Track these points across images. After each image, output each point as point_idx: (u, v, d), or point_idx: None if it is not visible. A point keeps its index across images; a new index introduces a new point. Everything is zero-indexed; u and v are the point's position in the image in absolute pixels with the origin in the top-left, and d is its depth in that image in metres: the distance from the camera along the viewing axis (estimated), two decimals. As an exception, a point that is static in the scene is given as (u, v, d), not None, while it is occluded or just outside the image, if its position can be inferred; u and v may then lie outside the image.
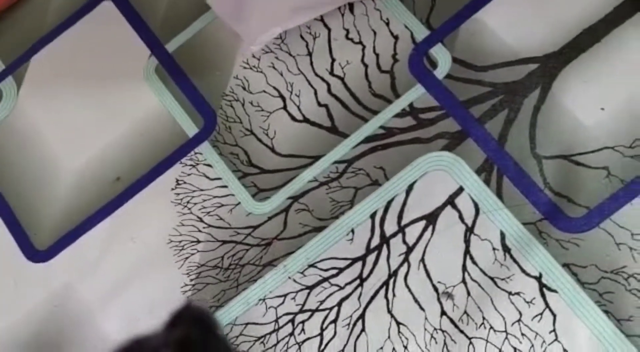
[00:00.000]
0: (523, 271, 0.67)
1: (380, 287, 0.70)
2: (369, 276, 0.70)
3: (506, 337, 0.66)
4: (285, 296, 0.72)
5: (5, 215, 0.81)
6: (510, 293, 0.67)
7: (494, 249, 0.68)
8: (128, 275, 0.76)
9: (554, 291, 0.66)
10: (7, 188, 0.82)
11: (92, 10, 0.87)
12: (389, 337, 0.69)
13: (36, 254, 0.80)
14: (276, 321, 0.71)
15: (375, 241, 0.71)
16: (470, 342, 0.67)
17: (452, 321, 0.68)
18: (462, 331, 0.67)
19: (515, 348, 0.66)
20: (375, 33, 0.78)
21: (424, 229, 0.70)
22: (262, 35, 0.76)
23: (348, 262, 0.71)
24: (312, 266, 0.72)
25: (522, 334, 0.66)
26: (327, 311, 0.71)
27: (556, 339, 0.65)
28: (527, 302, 0.67)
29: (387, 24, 0.78)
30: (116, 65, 0.84)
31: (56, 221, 0.80)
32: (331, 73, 0.77)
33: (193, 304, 0.45)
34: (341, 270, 0.71)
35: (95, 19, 0.87)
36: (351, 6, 0.78)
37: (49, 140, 0.83)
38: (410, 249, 0.70)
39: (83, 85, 0.84)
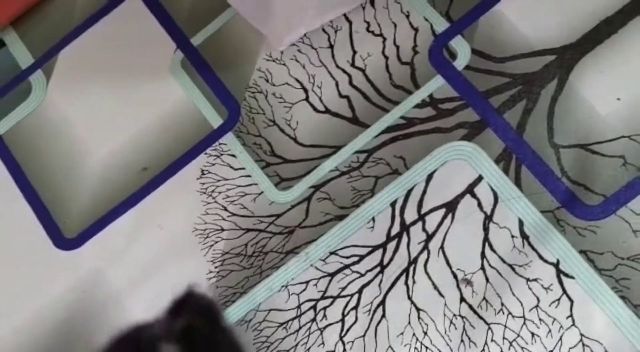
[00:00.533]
0: (541, 257, 0.68)
1: (401, 274, 0.71)
2: (389, 263, 0.72)
3: (524, 323, 0.67)
4: (307, 282, 0.73)
5: (34, 204, 0.83)
6: (528, 279, 0.68)
7: (512, 236, 0.69)
8: (155, 262, 0.78)
9: (571, 277, 0.68)
10: (36, 178, 0.85)
11: (119, 5, 0.89)
12: (409, 323, 0.70)
13: (65, 241, 0.81)
14: (298, 307, 0.73)
15: (396, 229, 0.72)
16: (489, 328, 0.68)
17: (471, 307, 0.69)
18: (481, 317, 0.69)
19: (533, 333, 0.67)
20: (395, 25, 0.79)
21: (444, 217, 0.72)
22: (288, 36, 0.77)
23: (369, 249, 0.73)
24: (333, 253, 0.73)
25: (540, 320, 0.67)
26: (348, 298, 0.72)
27: (573, 324, 0.67)
28: (545, 288, 0.68)
29: (407, 16, 0.79)
30: (143, 59, 0.85)
31: (84, 210, 0.82)
32: (352, 65, 0.79)
33: (196, 290, 0.43)
34: (362, 257, 0.73)
35: (123, 14, 0.88)
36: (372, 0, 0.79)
37: (77, 131, 0.85)
38: (430, 237, 0.71)
39: (111, 78, 0.86)
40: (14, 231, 0.83)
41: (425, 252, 0.71)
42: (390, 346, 0.70)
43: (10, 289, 0.82)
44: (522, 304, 0.68)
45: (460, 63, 0.75)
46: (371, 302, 0.71)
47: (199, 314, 0.42)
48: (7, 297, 0.81)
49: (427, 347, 0.69)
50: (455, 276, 0.70)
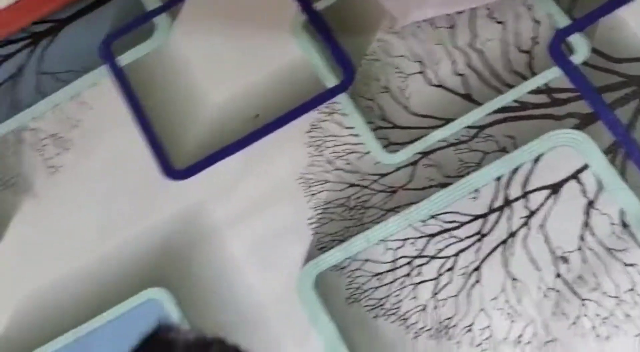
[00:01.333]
0: (639, 245, 0.69)
1: (499, 244, 0.73)
2: (489, 232, 0.73)
3: (618, 303, 0.68)
4: (405, 240, 0.75)
5: (148, 134, 0.86)
6: (625, 264, 0.69)
7: (612, 223, 0.71)
8: (258, 202, 0.80)
9: (669, 267, 0.69)
10: (152, 111, 0.88)
11: (249, -36, 0.92)
12: (503, 290, 0.71)
13: (174, 172, 0.84)
14: (394, 261, 0.75)
15: (499, 202, 0.74)
16: (583, 303, 0.69)
17: (566, 282, 0.70)
18: (575, 292, 0.70)
19: (627, 314, 0.68)
20: (517, 16, 0.81)
21: (547, 197, 0.73)
22: (412, 15, 0.80)
23: (470, 218, 0.74)
24: (434, 216, 0.75)
25: (635, 303, 0.68)
26: (444, 259, 0.74)
27: (668, 311, 0.67)
28: (641, 274, 0.69)
29: (530, 9, 0.81)
30: (267, 16, 0.89)
31: (195, 146, 0.84)
32: (471, 47, 0.81)
33: (225, 341, 0.42)
34: (462, 224, 0.74)
35: (252, -27, 0.91)
36: (497, -10, 0.82)
37: (196, 73, 0.88)
38: (532, 214, 0.73)
39: (234, 29, 0.89)
40: (127, 157, 0.86)
41: (526, 227, 0.72)
42: (482, 308, 0.71)
43: (117, 211, 0.84)
44: (617, 286, 0.69)
45: (577, 58, 0.77)
46: (467, 266, 0.72)
47: None
48: (113, 219, 0.84)
49: (519, 315, 0.70)
50: (552, 253, 0.71)
